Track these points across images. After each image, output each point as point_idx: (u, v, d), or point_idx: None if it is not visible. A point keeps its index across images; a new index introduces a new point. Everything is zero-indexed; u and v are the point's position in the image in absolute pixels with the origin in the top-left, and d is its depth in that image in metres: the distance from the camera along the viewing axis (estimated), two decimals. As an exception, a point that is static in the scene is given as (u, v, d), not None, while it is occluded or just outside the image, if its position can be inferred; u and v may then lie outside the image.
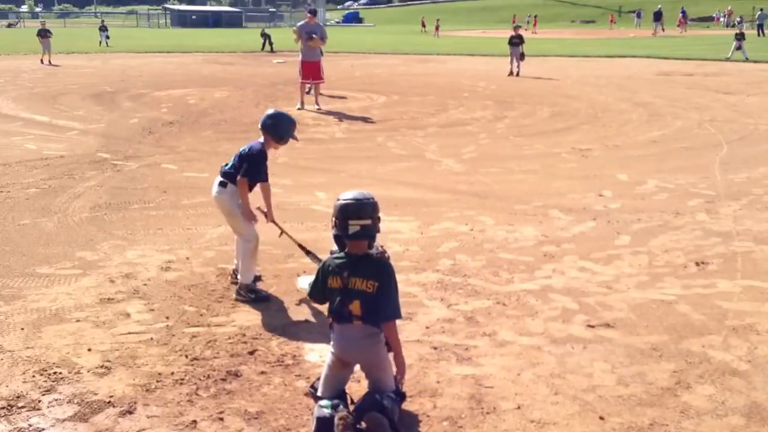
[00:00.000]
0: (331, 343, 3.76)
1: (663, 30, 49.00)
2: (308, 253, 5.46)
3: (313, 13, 15.93)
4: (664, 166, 9.86)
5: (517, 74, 22.55)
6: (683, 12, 57.80)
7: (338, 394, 3.69)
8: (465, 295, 5.38)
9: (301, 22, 15.54)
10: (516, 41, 22.97)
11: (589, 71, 24.29)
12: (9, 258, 6.11)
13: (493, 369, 4.23)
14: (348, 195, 3.66)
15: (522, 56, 22.79)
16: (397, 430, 3.51)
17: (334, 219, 3.67)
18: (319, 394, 3.72)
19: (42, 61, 25.95)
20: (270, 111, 5.47)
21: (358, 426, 3.51)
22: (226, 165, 5.36)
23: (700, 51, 32.07)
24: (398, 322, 4.81)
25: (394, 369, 3.72)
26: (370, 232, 3.63)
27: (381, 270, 3.61)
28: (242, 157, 5.24)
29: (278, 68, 18.36)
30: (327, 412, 3.53)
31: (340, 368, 3.74)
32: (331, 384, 3.71)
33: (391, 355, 3.76)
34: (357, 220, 3.58)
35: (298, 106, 15.02)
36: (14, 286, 5.47)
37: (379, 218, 3.69)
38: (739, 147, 11.31)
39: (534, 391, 3.97)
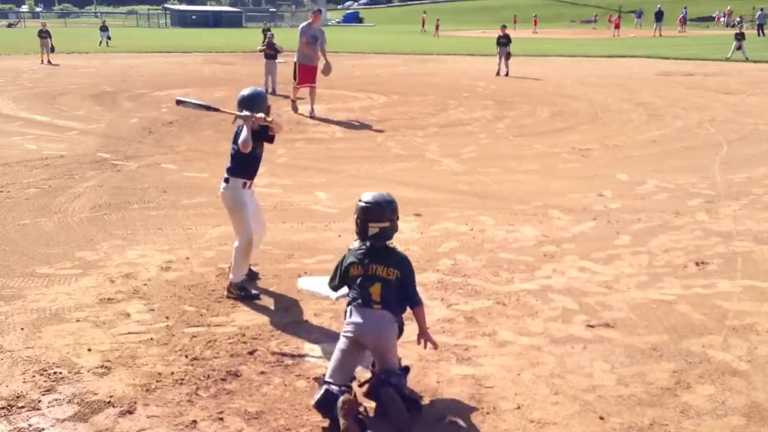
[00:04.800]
0: (345, 327, 3.84)
1: (661, 33, 48.91)
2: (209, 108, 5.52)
3: (319, 12, 15.55)
4: (664, 166, 9.86)
5: (506, 74, 22.59)
6: (684, 12, 57.80)
7: (345, 382, 3.73)
8: (465, 295, 5.38)
9: (304, 24, 14.95)
10: (503, 41, 23.04)
11: (589, 71, 24.29)
12: (9, 258, 6.11)
13: (493, 369, 4.23)
14: (369, 197, 3.81)
15: (508, 56, 22.88)
16: (408, 399, 3.68)
17: (355, 218, 3.84)
18: (327, 378, 3.75)
19: (42, 61, 26.05)
20: (244, 93, 5.29)
21: (361, 412, 3.60)
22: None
23: (700, 51, 32.08)
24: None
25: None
26: (388, 234, 3.85)
27: (401, 261, 3.85)
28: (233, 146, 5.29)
29: (278, 68, 18.33)
30: (335, 388, 3.62)
31: (354, 351, 3.80)
32: (341, 369, 3.75)
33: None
34: (377, 222, 3.77)
35: (292, 109, 14.82)
36: (14, 286, 5.47)
37: (398, 217, 3.88)
38: (739, 147, 11.31)
39: (534, 391, 3.97)
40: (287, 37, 19.41)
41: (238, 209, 5.32)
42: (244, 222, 5.30)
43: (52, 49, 26.50)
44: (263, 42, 18.93)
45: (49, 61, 25.94)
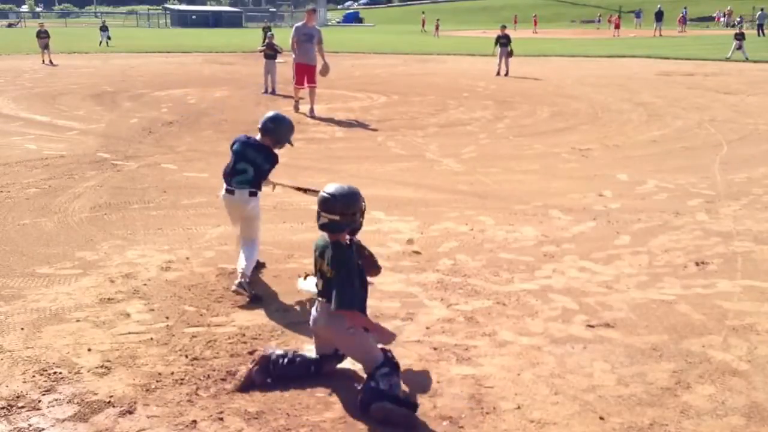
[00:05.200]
0: None
1: (661, 33, 48.92)
2: (306, 190, 5.75)
3: (313, 11, 15.59)
4: (664, 166, 9.86)
5: (506, 74, 22.65)
6: (684, 12, 57.80)
7: (317, 354, 4.09)
8: (465, 295, 5.38)
9: (299, 23, 14.89)
10: (504, 41, 23.16)
11: (589, 71, 24.29)
12: (9, 258, 6.11)
13: (493, 369, 4.23)
14: (330, 188, 3.89)
15: (510, 54, 23.02)
16: (404, 403, 3.65)
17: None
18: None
19: (43, 61, 26.11)
20: (271, 114, 5.56)
21: (264, 375, 3.95)
22: (244, 174, 5.38)
23: (700, 51, 32.08)
24: (398, 322, 4.84)
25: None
26: (336, 227, 3.85)
27: (336, 258, 3.85)
28: (262, 168, 5.44)
29: (278, 68, 18.35)
30: (273, 353, 4.05)
31: (316, 339, 4.11)
32: (315, 348, 4.12)
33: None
34: (326, 213, 3.83)
35: (294, 108, 14.83)
36: (14, 286, 5.47)
37: (352, 214, 3.86)
38: (739, 147, 11.31)
39: (534, 391, 3.97)
40: (287, 36, 19.38)
41: (259, 218, 5.61)
42: (259, 228, 5.68)
43: (46, 47, 26.57)
44: (263, 42, 18.95)
45: (50, 61, 25.98)
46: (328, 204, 3.82)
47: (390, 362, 3.86)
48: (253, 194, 5.41)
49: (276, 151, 5.51)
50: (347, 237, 3.95)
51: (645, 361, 4.32)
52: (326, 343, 4.06)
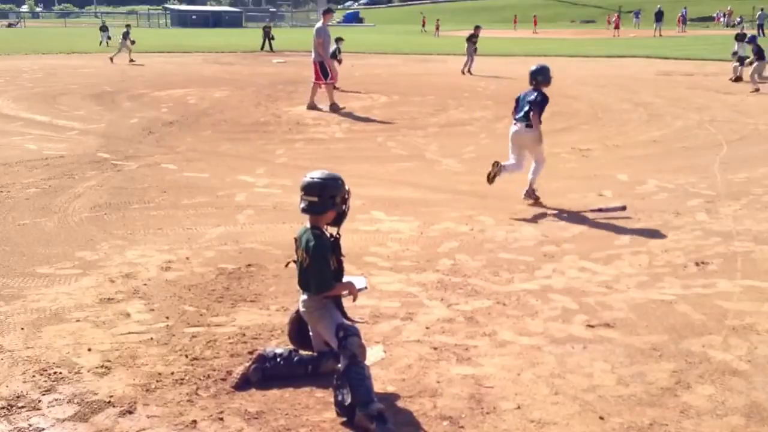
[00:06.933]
0: None
1: (661, 33, 48.88)
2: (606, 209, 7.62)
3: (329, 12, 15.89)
4: (664, 166, 9.86)
5: (470, 71, 23.44)
6: (684, 12, 57.75)
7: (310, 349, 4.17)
8: (465, 295, 5.38)
9: (319, 25, 14.94)
10: (475, 40, 23.96)
11: (589, 71, 24.28)
12: (9, 258, 6.11)
13: (493, 369, 4.23)
14: (311, 173, 3.97)
15: (475, 51, 23.92)
16: (362, 390, 3.62)
17: None
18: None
19: (132, 60, 26.60)
20: (536, 68, 7.87)
21: (257, 370, 4.03)
22: (521, 111, 7.82)
23: (700, 51, 32.06)
24: (398, 322, 4.85)
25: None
26: (315, 209, 3.90)
27: (310, 246, 3.89)
28: (534, 103, 7.73)
29: (278, 68, 18.35)
30: (271, 351, 4.16)
31: (312, 333, 4.11)
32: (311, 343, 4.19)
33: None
34: (306, 195, 3.89)
35: (325, 107, 14.79)
36: (14, 286, 5.47)
37: (331, 197, 3.90)
38: (739, 147, 11.31)
39: (534, 391, 3.97)
40: (288, 36, 19.39)
41: (540, 143, 7.87)
42: (543, 151, 7.96)
43: (133, 42, 27.32)
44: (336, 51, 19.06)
45: (130, 59, 26.50)
46: (308, 185, 3.91)
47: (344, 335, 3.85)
48: (529, 126, 7.68)
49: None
50: (329, 230, 3.99)
51: (645, 361, 4.32)
52: (317, 337, 4.08)
